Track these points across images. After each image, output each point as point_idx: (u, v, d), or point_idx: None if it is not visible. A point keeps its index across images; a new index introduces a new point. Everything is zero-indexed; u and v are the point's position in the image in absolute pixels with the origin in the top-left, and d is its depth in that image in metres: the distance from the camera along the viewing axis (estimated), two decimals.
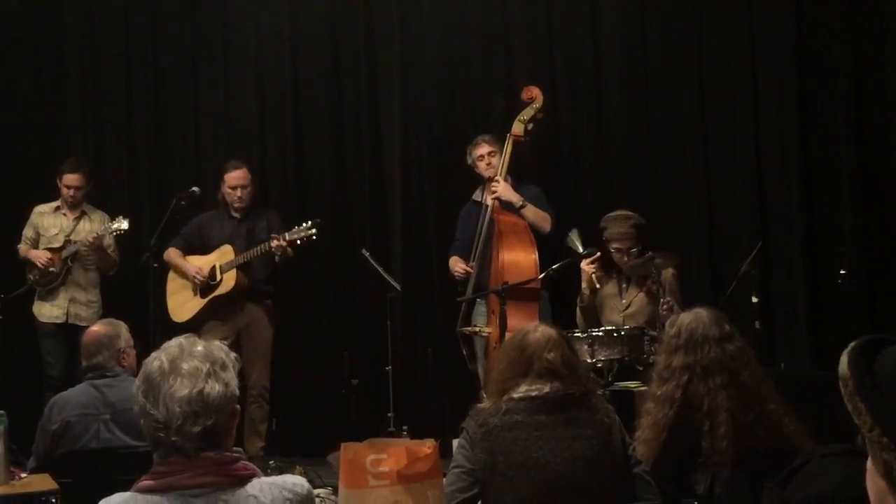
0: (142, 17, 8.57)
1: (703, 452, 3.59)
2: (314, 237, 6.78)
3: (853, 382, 1.75)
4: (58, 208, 7.62)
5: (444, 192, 7.77)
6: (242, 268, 7.10)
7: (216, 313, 7.10)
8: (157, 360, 2.38)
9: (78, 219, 7.60)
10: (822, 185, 6.87)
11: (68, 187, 7.53)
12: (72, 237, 7.51)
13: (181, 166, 8.43)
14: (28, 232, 7.64)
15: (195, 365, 2.36)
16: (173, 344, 2.42)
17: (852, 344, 1.78)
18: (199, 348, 2.40)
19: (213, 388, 2.35)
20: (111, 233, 7.41)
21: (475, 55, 7.84)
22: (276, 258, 6.99)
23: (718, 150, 7.15)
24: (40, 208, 7.67)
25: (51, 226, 7.59)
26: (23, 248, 7.61)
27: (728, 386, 3.64)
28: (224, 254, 7.16)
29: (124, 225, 7.38)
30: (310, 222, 6.79)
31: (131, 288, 7.85)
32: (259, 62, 8.34)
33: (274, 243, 6.81)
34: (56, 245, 7.52)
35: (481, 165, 6.98)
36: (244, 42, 8.39)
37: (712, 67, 7.19)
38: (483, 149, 6.97)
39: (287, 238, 6.77)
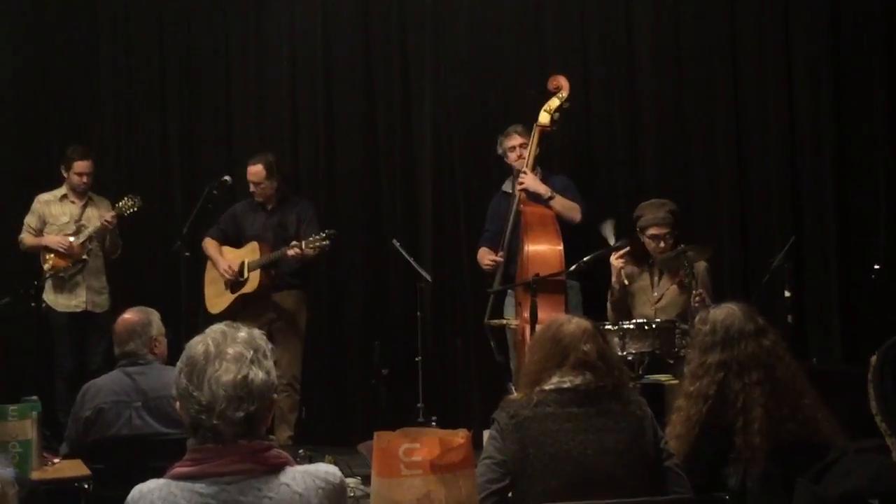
0: (175, 7, 8.61)
1: (736, 448, 3.57)
2: (327, 248, 6.93)
3: (872, 370, 1.78)
4: (64, 196, 7.62)
5: (475, 181, 7.77)
6: (270, 265, 7.16)
7: (245, 308, 7.16)
8: (202, 343, 2.39)
9: (85, 205, 7.61)
10: (856, 179, 6.81)
11: (80, 174, 7.53)
12: (81, 222, 7.53)
13: (213, 155, 8.46)
14: (32, 221, 7.59)
15: (239, 350, 2.37)
16: (216, 329, 2.43)
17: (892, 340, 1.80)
18: (243, 334, 2.41)
19: (257, 374, 2.36)
20: (127, 212, 7.43)
21: (508, 44, 7.82)
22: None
23: (752, 143, 7.10)
24: (44, 197, 7.64)
25: (60, 214, 7.57)
26: (28, 237, 7.58)
27: (764, 381, 3.61)
28: (252, 251, 7.28)
29: (139, 202, 7.43)
30: (324, 233, 6.91)
31: (163, 276, 7.91)
32: (291, 51, 8.36)
33: (290, 252, 6.94)
34: (69, 232, 7.52)
35: (512, 156, 6.97)
36: (277, 30, 8.41)
37: (746, 57, 7.13)
38: (515, 140, 6.95)
39: (303, 248, 6.89)
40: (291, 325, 7.30)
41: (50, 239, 7.49)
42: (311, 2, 8.30)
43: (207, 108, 8.59)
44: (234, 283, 7.26)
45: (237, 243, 7.40)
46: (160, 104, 8.62)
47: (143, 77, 8.64)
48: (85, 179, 7.56)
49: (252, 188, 7.36)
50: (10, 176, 8.42)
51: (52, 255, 7.47)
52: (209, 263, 7.43)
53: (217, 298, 7.35)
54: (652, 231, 6.32)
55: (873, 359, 1.78)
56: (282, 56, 8.39)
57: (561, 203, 6.77)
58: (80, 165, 7.54)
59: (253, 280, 7.21)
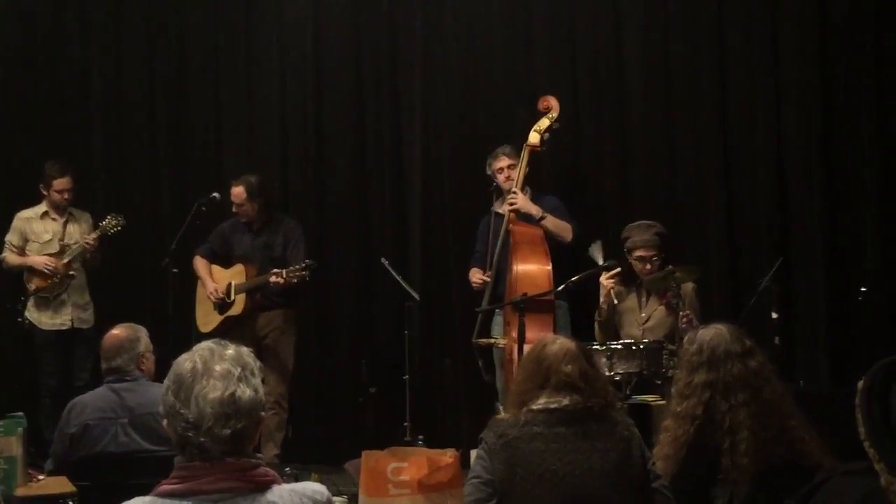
0: (166, 23, 8.62)
1: (723, 469, 3.57)
2: (306, 278, 6.94)
3: (859, 394, 1.78)
4: (45, 213, 7.57)
5: (464, 201, 7.77)
6: (254, 290, 7.20)
7: (232, 329, 7.15)
8: (190, 360, 2.39)
9: (66, 222, 7.58)
10: (843, 201, 6.84)
11: (60, 191, 7.48)
12: (64, 240, 7.50)
13: (202, 171, 8.46)
14: (13, 239, 7.54)
15: (227, 367, 2.37)
16: (204, 346, 2.43)
17: (884, 361, 1.79)
18: (230, 352, 2.41)
19: (244, 392, 2.36)
20: (111, 231, 7.41)
21: (497, 64, 7.83)
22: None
23: (740, 164, 7.12)
24: (25, 214, 7.59)
25: (42, 231, 7.53)
26: (11, 256, 7.53)
27: (750, 403, 3.62)
28: (238, 273, 7.31)
29: (122, 221, 7.41)
30: (305, 263, 6.92)
31: (151, 292, 7.89)
32: (281, 70, 8.37)
33: (272, 279, 6.97)
34: (52, 251, 7.48)
35: (500, 178, 6.98)
36: (267, 49, 8.42)
37: (735, 79, 7.16)
38: (503, 162, 6.96)
39: (284, 276, 6.90)
40: (279, 343, 7.31)
41: (35, 260, 7.45)
42: (301, 20, 8.31)
43: (197, 125, 8.59)
44: (221, 304, 7.27)
45: (226, 261, 7.41)
46: (149, 120, 8.61)
47: (132, 93, 8.64)
48: (66, 196, 7.52)
49: (235, 209, 7.37)
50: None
51: (36, 276, 7.43)
52: (200, 282, 7.43)
53: (206, 318, 7.36)
54: (639, 253, 6.34)
55: (860, 383, 1.78)
56: (272, 74, 8.39)
57: (553, 223, 6.78)
58: (60, 183, 7.49)
59: (238, 303, 7.23)
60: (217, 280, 7.32)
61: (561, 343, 3.58)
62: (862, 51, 6.79)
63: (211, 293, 7.26)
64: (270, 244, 7.32)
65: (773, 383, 3.73)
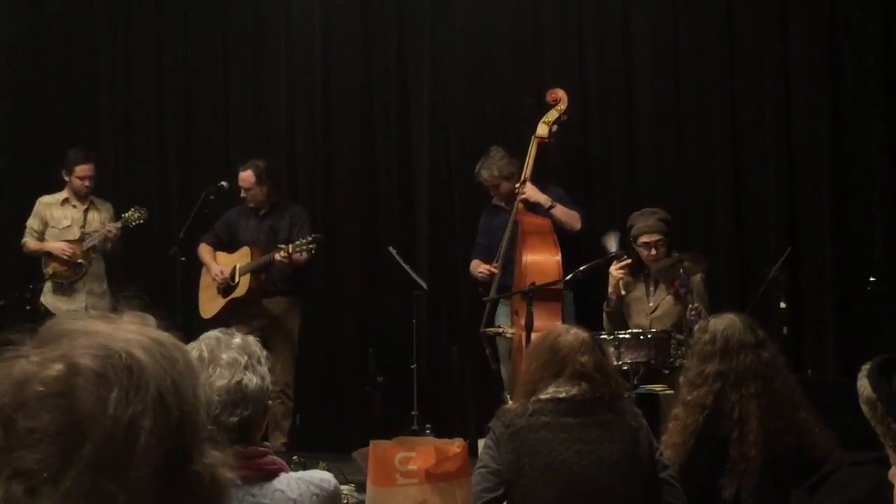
0: (174, 11, 8.62)
1: (731, 459, 3.57)
2: (313, 251, 6.93)
3: (883, 405, 1.74)
4: (66, 200, 7.58)
5: (472, 190, 7.74)
6: (260, 270, 7.17)
7: (236, 314, 7.15)
8: (196, 349, 2.39)
9: (87, 210, 7.59)
10: (853, 191, 6.82)
11: (82, 178, 7.48)
12: (85, 228, 7.51)
13: (210, 160, 8.46)
14: (34, 224, 7.55)
15: (233, 356, 2.37)
16: (211, 335, 2.43)
17: (867, 366, 1.77)
18: (237, 340, 2.42)
19: (251, 380, 2.37)
20: (133, 223, 7.42)
21: (506, 55, 7.82)
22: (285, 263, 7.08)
23: (748, 154, 7.10)
24: (46, 199, 7.59)
25: (62, 217, 7.54)
26: (31, 241, 7.54)
27: (760, 394, 3.61)
28: (243, 256, 7.30)
29: (145, 214, 7.42)
30: (311, 237, 6.90)
31: (159, 281, 7.90)
32: (289, 58, 8.36)
33: (278, 256, 6.94)
34: (71, 237, 7.49)
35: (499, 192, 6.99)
36: (275, 37, 8.41)
37: (743, 69, 7.14)
38: (496, 179, 6.92)
39: (290, 251, 6.89)
40: (283, 331, 7.30)
41: (53, 245, 7.46)
42: (310, 9, 8.29)
43: (205, 114, 8.59)
44: (226, 287, 7.27)
45: (231, 248, 7.41)
46: (158, 109, 8.62)
47: (140, 82, 8.64)
48: (87, 183, 7.53)
49: (243, 193, 7.38)
50: (8, 179, 8.40)
51: (54, 261, 7.46)
52: (203, 269, 7.44)
53: (209, 304, 7.36)
54: (644, 239, 6.31)
55: (870, 395, 1.75)
56: (280, 63, 8.38)
57: (562, 211, 6.76)
58: (82, 169, 7.51)
59: (243, 284, 7.22)
60: (222, 264, 7.32)
61: (575, 333, 3.57)
62: (872, 39, 6.78)
63: (216, 275, 7.26)
64: (276, 228, 7.32)
65: (784, 375, 3.73)
